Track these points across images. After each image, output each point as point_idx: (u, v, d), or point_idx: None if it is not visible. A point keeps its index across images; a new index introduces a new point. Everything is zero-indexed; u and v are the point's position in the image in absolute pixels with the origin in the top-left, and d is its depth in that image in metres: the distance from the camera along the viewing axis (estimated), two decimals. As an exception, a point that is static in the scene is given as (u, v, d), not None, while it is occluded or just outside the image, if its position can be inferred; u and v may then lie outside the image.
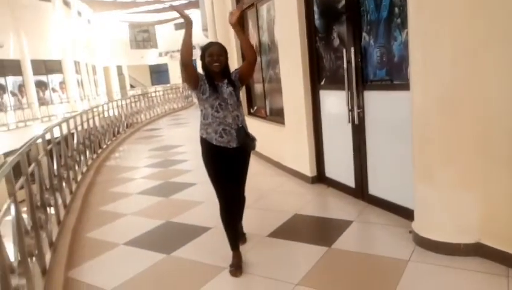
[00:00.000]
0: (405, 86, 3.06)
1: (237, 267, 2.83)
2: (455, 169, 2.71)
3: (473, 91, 2.55)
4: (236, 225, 3.09)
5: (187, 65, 2.69)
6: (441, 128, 2.70)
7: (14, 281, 2.10)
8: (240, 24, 2.79)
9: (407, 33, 2.98)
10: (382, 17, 3.32)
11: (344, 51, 3.71)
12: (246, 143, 2.85)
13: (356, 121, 3.71)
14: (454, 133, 2.67)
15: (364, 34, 3.57)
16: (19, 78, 19.11)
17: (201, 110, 2.88)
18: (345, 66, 3.70)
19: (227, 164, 2.86)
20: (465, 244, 2.71)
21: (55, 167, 4.44)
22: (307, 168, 4.71)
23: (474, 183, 2.65)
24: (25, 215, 2.71)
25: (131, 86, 33.94)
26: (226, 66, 2.85)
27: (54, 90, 21.77)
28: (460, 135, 2.65)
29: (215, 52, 2.78)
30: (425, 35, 2.65)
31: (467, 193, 2.68)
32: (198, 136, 2.95)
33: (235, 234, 2.99)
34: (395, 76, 3.32)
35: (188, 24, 2.65)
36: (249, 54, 2.84)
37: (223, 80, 2.85)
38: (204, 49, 2.83)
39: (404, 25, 3.07)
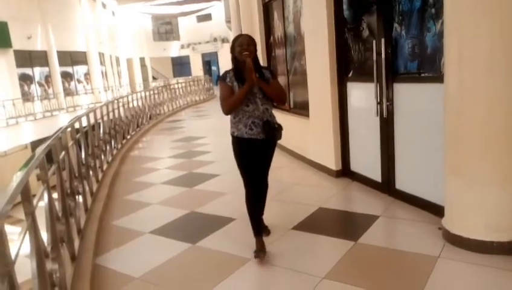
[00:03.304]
0: (438, 79, 2.98)
1: (261, 250, 2.90)
2: (489, 164, 2.62)
3: (510, 84, 2.45)
4: (260, 212, 3.14)
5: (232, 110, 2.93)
6: (475, 121, 2.61)
7: (48, 265, 2.15)
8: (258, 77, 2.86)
9: (441, 24, 2.89)
10: (415, 7, 3.22)
11: (374, 42, 3.63)
12: (273, 135, 2.96)
13: (385, 114, 3.64)
14: (489, 127, 2.58)
15: (395, 24, 3.47)
16: (45, 69, 19.58)
17: None
18: (375, 57, 3.62)
19: (257, 154, 2.97)
20: (498, 243, 2.62)
21: (83, 155, 4.52)
22: (332, 162, 4.65)
23: (509, 178, 2.56)
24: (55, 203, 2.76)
25: (154, 78, 34.29)
26: (255, 58, 2.91)
27: (79, 81, 22.24)
28: (496, 129, 2.56)
29: (244, 42, 2.88)
30: (463, 26, 2.56)
31: (502, 188, 2.59)
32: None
33: (259, 221, 3.08)
34: (428, 68, 3.22)
35: (250, 85, 2.80)
36: (277, 100, 3.02)
37: None
38: (234, 41, 2.96)
39: (438, 15, 2.97)
